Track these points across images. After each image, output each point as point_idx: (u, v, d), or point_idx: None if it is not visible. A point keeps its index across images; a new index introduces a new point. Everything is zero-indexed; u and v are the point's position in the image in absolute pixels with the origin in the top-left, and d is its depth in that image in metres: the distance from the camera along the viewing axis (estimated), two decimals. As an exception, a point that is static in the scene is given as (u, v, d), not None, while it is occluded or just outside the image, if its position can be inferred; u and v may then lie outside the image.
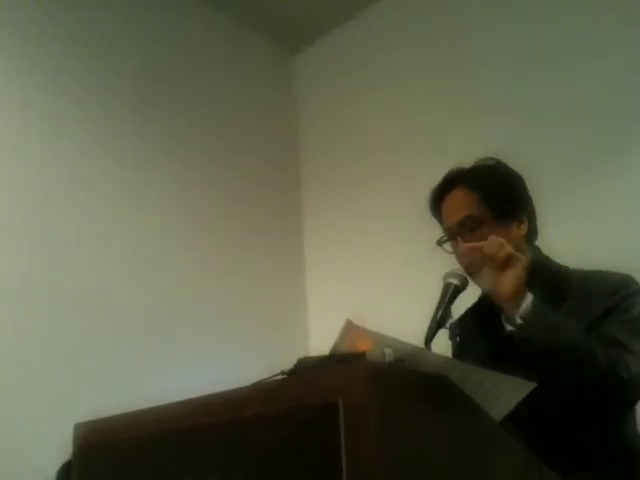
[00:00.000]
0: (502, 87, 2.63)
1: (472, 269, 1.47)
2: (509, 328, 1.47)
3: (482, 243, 1.40)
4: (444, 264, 1.62)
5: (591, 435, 1.36)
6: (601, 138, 2.34)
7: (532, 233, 1.60)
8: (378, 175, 2.96)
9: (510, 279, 1.34)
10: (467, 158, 1.69)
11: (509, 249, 1.36)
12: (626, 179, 2.26)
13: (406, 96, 2.96)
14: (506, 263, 1.35)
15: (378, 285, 2.80)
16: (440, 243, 1.59)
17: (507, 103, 2.60)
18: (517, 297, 1.34)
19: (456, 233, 1.54)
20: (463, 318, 1.63)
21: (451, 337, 1.56)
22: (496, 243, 1.37)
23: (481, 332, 1.56)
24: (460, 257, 1.54)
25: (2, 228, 2.22)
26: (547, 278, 1.49)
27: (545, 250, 1.61)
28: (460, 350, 1.58)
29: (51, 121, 2.47)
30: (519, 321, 1.33)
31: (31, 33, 2.48)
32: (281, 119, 3.37)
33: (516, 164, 2.42)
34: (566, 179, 2.38)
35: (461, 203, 1.55)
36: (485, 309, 1.56)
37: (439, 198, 1.61)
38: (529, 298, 1.34)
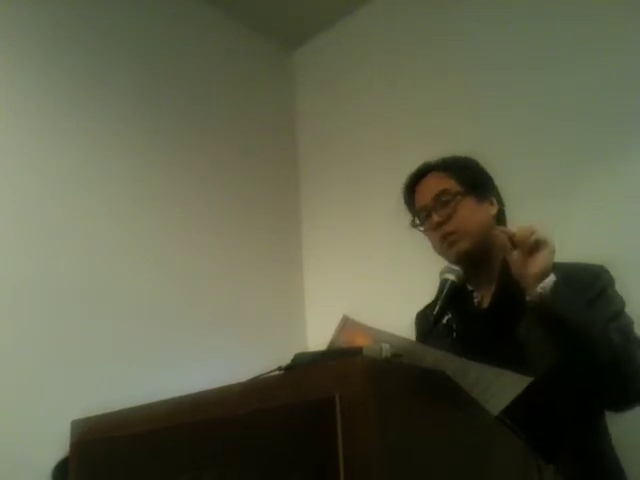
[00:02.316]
0: (502, 86, 2.62)
1: (446, 240, 1.56)
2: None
3: (513, 230, 1.41)
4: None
5: (568, 451, 1.35)
6: (601, 138, 2.34)
7: (501, 220, 1.65)
8: (377, 174, 2.96)
9: (539, 263, 1.35)
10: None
11: (539, 235, 1.37)
12: (626, 178, 2.26)
13: (405, 95, 2.95)
14: (535, 248, 1.36)
15: (375, 282, 2.80)
16: (415, 225, 1.67)
17: (507, 103, 2.59)
18: (542, 280, 1.35)
19: (431, 209, 1.61)
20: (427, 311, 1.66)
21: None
22: (527, 229, 1.38)
23: (459, 316, 1.56)
24: (432, 233, 1.61)
25: (1, 227, 2.22)
26: None
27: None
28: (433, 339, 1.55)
29: (52, 121, 2.46)
30: (539, 290, 1.33)
31: (31, 32, 2.48)
32: (280, 117, 3.37)
33: (517, 163, 2.42)
34: (566, 178, 2.38)
35: (436, 182, 1.64)
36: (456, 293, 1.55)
37: (413, 186, 1.70)
38: (552, 277, 1.35)
